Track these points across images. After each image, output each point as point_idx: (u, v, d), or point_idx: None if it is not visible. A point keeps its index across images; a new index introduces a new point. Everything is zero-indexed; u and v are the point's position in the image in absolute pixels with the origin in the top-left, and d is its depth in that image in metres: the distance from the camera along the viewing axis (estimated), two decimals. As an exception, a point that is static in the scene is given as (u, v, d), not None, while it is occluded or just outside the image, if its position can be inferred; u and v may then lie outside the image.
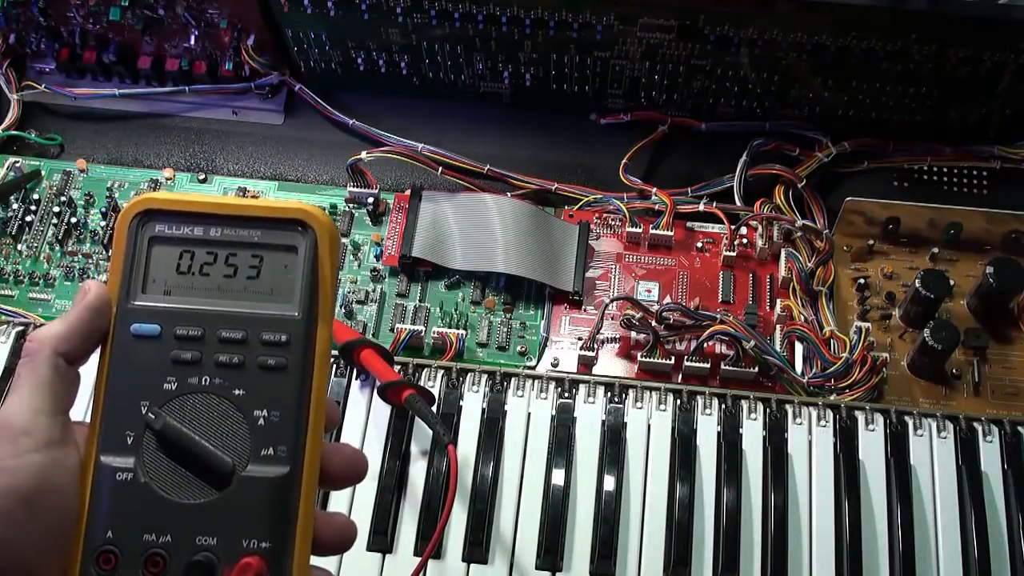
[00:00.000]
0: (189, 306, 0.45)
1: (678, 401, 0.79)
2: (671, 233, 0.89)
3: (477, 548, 0.74)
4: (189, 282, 0.46)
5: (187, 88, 0.98)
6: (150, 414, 0.44)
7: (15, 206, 0.92)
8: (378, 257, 0.89)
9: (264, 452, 0.44)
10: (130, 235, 0.46)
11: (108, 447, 0.44)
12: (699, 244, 0.90)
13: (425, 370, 0.81)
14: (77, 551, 0.43)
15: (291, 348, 0.45)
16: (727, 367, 0.82)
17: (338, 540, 0.46)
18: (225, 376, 0.44)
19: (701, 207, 0.91)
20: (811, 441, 0.78)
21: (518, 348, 0.85)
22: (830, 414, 0.79)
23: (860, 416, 0.79)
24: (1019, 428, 0.78)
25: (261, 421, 0.44)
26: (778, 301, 0.86)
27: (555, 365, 0.84)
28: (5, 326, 0.82)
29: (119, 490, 0.43)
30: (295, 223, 0.46)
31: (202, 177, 0.95)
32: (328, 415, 0.46)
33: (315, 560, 0.45)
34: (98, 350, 0.46)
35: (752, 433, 0.78)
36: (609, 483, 0.76)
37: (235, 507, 0.43)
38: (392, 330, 0.85)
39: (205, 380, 0.44)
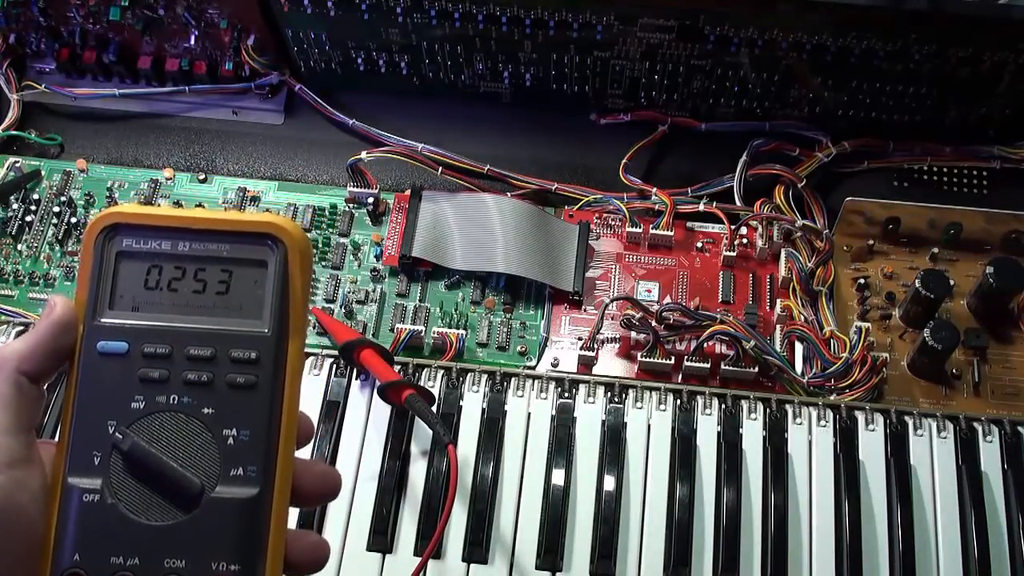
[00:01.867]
0: (157, 323, 0.44)
1: (678, 401, 0.79)
2: (671, 233, 0.89)
3: (477, 548, 0.74)
4: (157, 298, 0.45)
5: (187, 88, 0.98)
6: (117, 434, 0.43)
7: (15, 206, 0.92)
8: (378, 257, 0.89)
9: (234, 472, 0.43)
10: (97, 250, 0.45)
11: (75, 467, 0.43)
12: (699, 244, 0.90)
13: (425, 370, 0.81)
14: (44, 573, 0.42)
15: (261, 365, 0.44)
16: (727, 367, 0.82)
17: (310, 560, 0.45)
18: (194, 394, 0.44)
19: (701, 207, 0.91)
20: (811, 441, 0.78)
21: (518, 348, 0.85)
22: (830, 414, 0.79)
23: (860, 416, 0.79)
24: (1019, 428, 0.78)
25: (231, 440, 0.43)
26: (778, 301, 0.86)
27: (555, 365, 0.84)
28: (5, 326, 0.82)
29: (86, 511, 0.42)
30: (265, 237, 0.44)
31: (202, 177, 0.95)
32: (301, 431, 0.45)
33: None
34: (66, 367, 0.45)
35: (752, 433, 0.78)
36: (609, 483, 0.76)
37: (204, 529, 0.42)
38: (392, 330, 0.85)
39: (173, 399, 0.43)
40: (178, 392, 0.44)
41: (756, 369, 0.82)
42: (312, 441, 0.77)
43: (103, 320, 0.44)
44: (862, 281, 0.87)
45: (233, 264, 0.45)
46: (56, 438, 0.45)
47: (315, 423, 0.78)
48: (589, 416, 0.79)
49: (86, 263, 0.45)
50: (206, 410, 0.43)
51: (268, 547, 0.43)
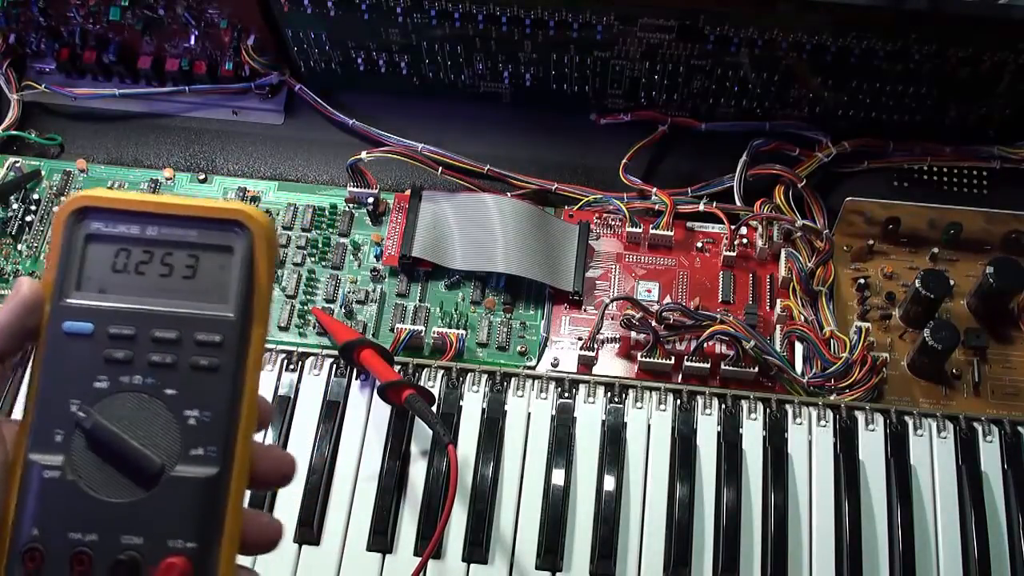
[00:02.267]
0: (123, 305, 0.45)
1: (678, 401, 0.79)
2: (671, 233, 0.89)
3: (477, 548, 0.74)
4: (124, 281, 0.45)
5: (187, 88, 0.98)
6: (80, 412, 0.43)
7: (15, 206, 0.92)
8: (378, 257, 0.89)
9: (194, 452, 0.44)
10: (66, 232, 0.45)
11: (37, 445, 0.43)
12: (699, 244, 0.90)
13: (425, 370, 0.81)
14: (3, 549, 0.43)
15: (224, 349, 0.45)
16: (727, 367, 0.82)
17: (264, 540, 0.46)
18: (157, 376, 0.44)
19: (701, 207, 0.91)
20: (811, 441, 0.78)
21: (518, 348, 0.85)
22: (830, 414, 0.79)
23: (860, 416, 0.79)
24: (1019, 428, 0.79)
25: (192, 421, 0.44)
26: (778, 301, 0.86)
27: (555, 365, 0.84)
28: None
29: (46, 488, 0.43)
30: (232, 223, 0.45)
31: (202, 177, 0.95)
32: (260, 415, 0.46)
33: (241, 559, 0.45)
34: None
35: (752, 433, 0.78)
36: (609, 483, 0.76)
37: (162, 507, 0.43)
38: (392, 330, 0.85)
39: (137, 379, 0.44)
40: (142, 373, 0.44)
41: (756, 369, 0.82)
42: (312, 440, 0.77)
43: (69, 301, 0.45)
44: (862, 281, 0.87)
45: (200, 249, 0.46)
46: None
47: (316, 423, 0.78)
48: (589, 416, 0.79)
49: (55, 245, 0.45)
50: (169, 391, 0.44)
51: (225, 526, 0.44)
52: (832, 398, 0.81)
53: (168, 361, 0.44)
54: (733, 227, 0.88)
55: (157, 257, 0.45)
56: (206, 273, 0.45)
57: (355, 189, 0.92)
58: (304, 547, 0.74)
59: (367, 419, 0.79)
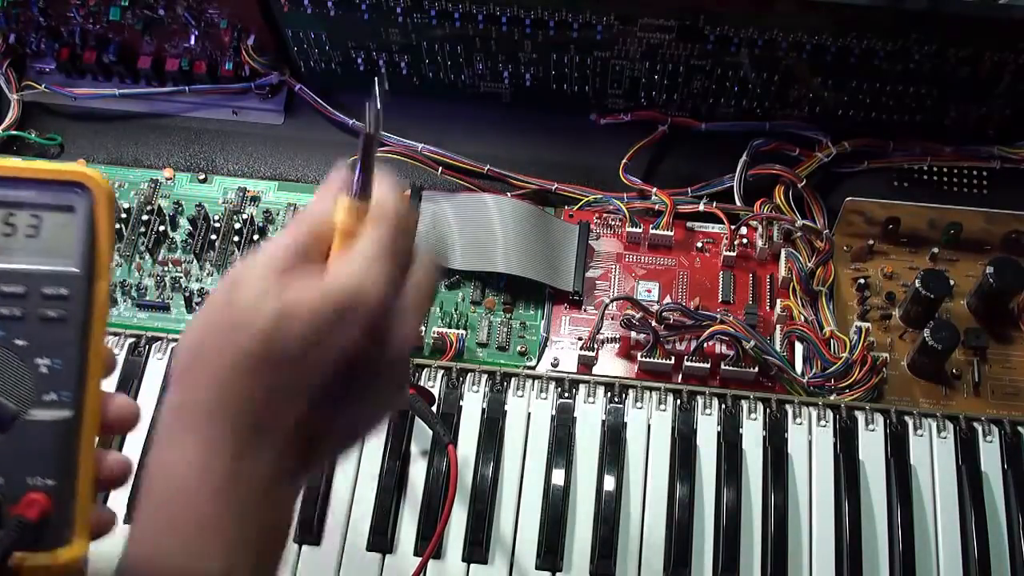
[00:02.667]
0: None
1: (678, 401, 0.79)
2: (671, 233, 0.89)
3: (477, 548, 0.74)
4: None
5: (187, 88, 0.98)
6: None
7: (15, 206, 0.92)
8: (378, 257, 0.89)
9: (47, 397, 0.46)
10: None
11: None
12: (699, 244, 0.90)
13: (425, 370, 0.81)
14: None
15: (71, 301, 0.47)
16: (727, 367, 0.82)
17: (115, 475, 0.49)
18: (6, 328, 0.46)
19: (701, 207, 0.91)
20: (811, 441, 0.78)
21: (518, 348, 0.85)
22: (830, 414, 0.79)
23: (860, 416, 0.79)
24: (1019, 428, 0.79)
25: (44, 368, 0.46)
26: (778, 301, 0.86)
27: (555, 365, 0.84)
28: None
29: None
30: (73, 185, 0.47)
31: (202, 177, 0.94)
32: (106, 362, 0.49)
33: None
34: None
35: (752, 433, 0.78)
36: (609, 483, 0.76)
37: (19, 449, 0.46)
38: (392, 330, 0.85)
39: None
40: None
41: (756, 369, 0.82)
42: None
43: None
44: (862, 281, 0.87)
45: (43, 209, 0.48)
46: None
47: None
48: (589, 416, 0.79)
49: None
50: (19, 342, 0.46)
51: (80, 464, 0.46)
52: (832, 398, 0.81)
53: (17, 314, 0.47)
54: (733, 227, 0.88)
55: (0, 218, 0.48)
56: (50, 232, 0.48)
57: (355, 189, 0.91)
58: (304, 547, 0.74)
59: (367, 419, 0.79)
